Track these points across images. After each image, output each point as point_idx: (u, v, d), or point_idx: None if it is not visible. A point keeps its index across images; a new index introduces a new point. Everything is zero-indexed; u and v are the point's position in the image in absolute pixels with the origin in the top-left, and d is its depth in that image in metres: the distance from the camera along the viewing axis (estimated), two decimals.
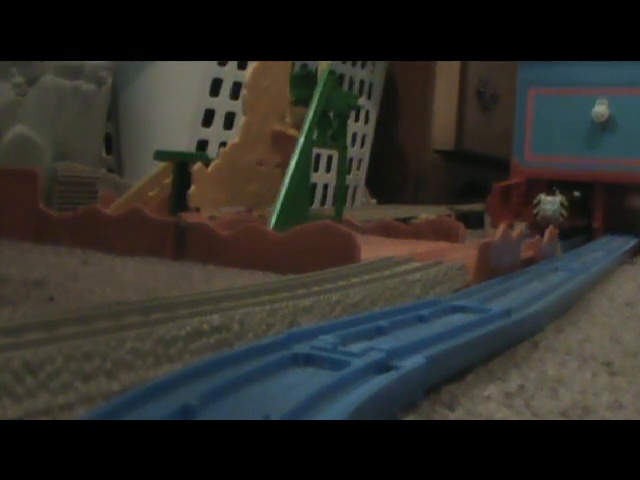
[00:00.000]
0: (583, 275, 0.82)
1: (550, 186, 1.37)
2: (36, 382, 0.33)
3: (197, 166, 0.97)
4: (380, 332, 0.46)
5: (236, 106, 1.17)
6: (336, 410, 0.31)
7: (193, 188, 0.96)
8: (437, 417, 0.38)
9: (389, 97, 1.64)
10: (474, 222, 1.62)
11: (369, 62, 1.54)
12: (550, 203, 1.34)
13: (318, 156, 1.31)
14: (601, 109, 1.34)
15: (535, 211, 1.35)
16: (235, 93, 1.19)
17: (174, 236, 0.88)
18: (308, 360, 0.39)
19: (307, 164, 0.98)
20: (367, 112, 1.56)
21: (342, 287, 0.60)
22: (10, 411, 0.32)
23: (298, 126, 1.02)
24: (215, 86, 1.18)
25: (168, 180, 1.03)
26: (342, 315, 0.54)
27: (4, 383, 0.32)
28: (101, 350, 0.37)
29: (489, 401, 0.41)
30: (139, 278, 0.74)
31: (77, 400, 0.34)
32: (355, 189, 1.77)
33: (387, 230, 1.10)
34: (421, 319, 0.51)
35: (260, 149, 1.05)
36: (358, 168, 1.75)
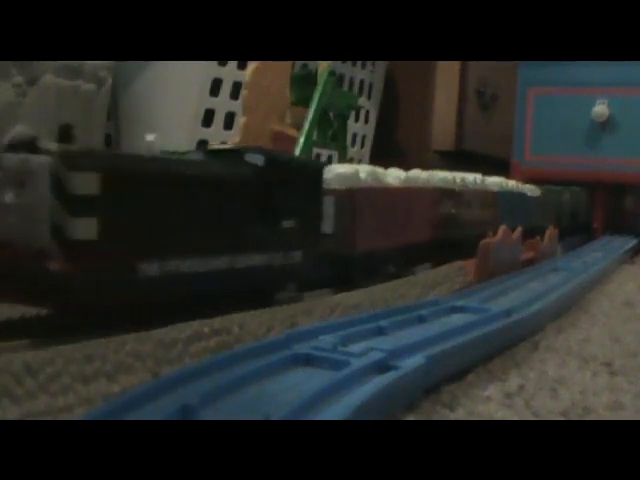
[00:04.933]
0: (583, 275, 0.82)
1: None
2: (36, 384, 0.33)
3: None
4: (380, 332, 0.46)
5: (236, 106, 1.16)
6: (336, 410, 0.31)
7: None
8: (437, 417, 0.38)
9: (389, 97, 1.63)
10: None
11: (369, 62, 1.54)
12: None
13: (318, 156, 1.31)
14: (601, 109, 1.34)
15: None
16: (235, 93, 1.19)
17: None
18: (308, 360, 0.39)
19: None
20: (367, 112, 1.56)
21: (342, 288, 0.60)
22: (10, 413, 0.32)
23: (298, 126, 1.02)
24: (215, 86, 1.18)
25: None
26: (342, 316, 0.54)
27: (4, 385, 0.32)
28: (101, 352, 0.37)
29: (489, 401, 0.41)
30: None
31: (77, 402, 0.34)
32: None
33: None
34: (421, 319, 0.51)
35: None
36: None
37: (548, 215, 1.24)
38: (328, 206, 0.59)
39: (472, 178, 0.91)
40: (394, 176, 0.73)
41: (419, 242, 0.75)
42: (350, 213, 0.61)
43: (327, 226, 0.59)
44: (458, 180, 0.87)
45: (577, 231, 1.34)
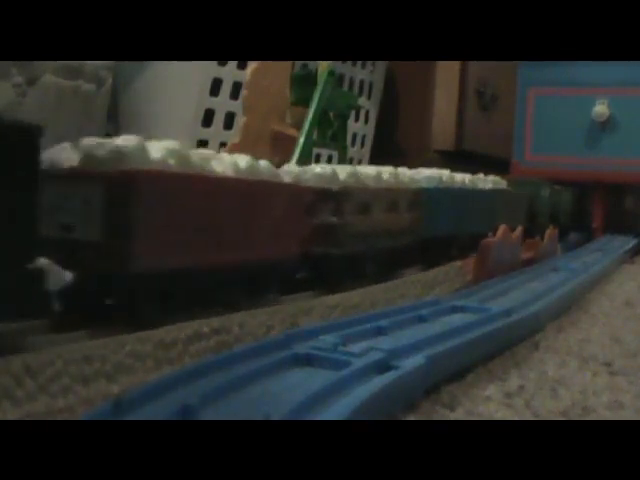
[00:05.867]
0: (583, 275, 0.82)
1: None
2: (36, 385, 0.33)
3: None
4: (380, 332, 0.46)
5: (236, 106, 1.16)
6: (336, 410, 0.31)
7: None
8: (437, 417, 0.38)
9: (389, 97, 1.63)
10: None
11: (369, 62, 1.54)
12: None
13: (318, 156, 1.31)
14: (601, 109, 1.34)
15: None
16: (235, 93, 1.19)
17: None
18: (308, 360, 0.39)
19: (307, 164, 0.98)
20: (367, 112, 1.56)
21: (342, 288, 0.60)
22: (10, 414, 0.32)
23: (298, 126, 1.02)
24: (215, 86, 1.18)
25: None
26: (342, 316, 0.54)
27: (4, 386, 0.32)
28: (101, 353, 0.37)
29: (489, 401, 0.41)
30: None
31: (77, 403, 0.34)
32: None
33: None
34: (421, 319, 0.51)
35: (260, 149, 1.05)
36: None
37: (518, 214, 1.05)
38: (93, 199, 0.40)
39: (374, 173, 0.66)
40: (229, 163, 0.50)
41: (278, 260, 0.54)
42: (127, 210, 0.40)
43: (89, 230, 0.40)
44: (343, 176, 0.61)
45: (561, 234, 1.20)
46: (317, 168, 0.60)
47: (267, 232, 0.52)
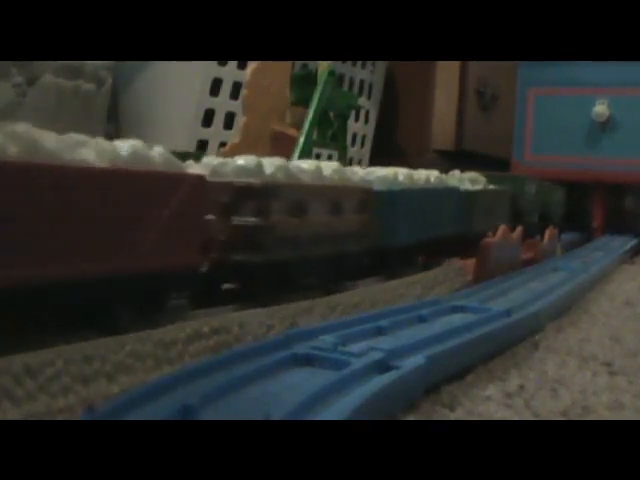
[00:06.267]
0: (583, 275, 0.82)
1: None
2: (36, 385, 0.33)
3: None
4: (380, 332, 0.46)
5: (236, 106, 1.17)
6: (336, 410, 0.31)
7: None
8: (437, 417, 0.38)
9: (389, 97, 1.64)
10: None
11: (369, 62, 1.54)
12: None
13: (318, 156, 1.31)
14: (601, 109, 1.34)
15: None
16: (235, 93, 1.19)
17: None
18: (308, 360, 0.39)
19: None
20: (367, 112, 1.56)
21: (342, 288, 0.60)
22: (10, 414, 0.32)
23: (298, 126, 1.02)
24: (215, 86, 1.18)
25: None
26: (342, 316, 0.54)
27: (4, 386, 0.32)
28: (101, 353, 0.37)
29: (489, 401, 0.41)
30: None
31: (77, 403, 0.34)
32: None
33: None
34: (421, 319, 0.51)
35: (260, 149, 1.05)
36: None
37: (497, 213, 0.94)
38: None
39: (312, 167, 0.57)
40: (106, 150, 0.41)
41: (176, 270, 0.44)
42: None
43: None
44: (271, 170, 0.53)
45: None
46: (240, 160, 0.52)
47: (159, 236, 0.42)
